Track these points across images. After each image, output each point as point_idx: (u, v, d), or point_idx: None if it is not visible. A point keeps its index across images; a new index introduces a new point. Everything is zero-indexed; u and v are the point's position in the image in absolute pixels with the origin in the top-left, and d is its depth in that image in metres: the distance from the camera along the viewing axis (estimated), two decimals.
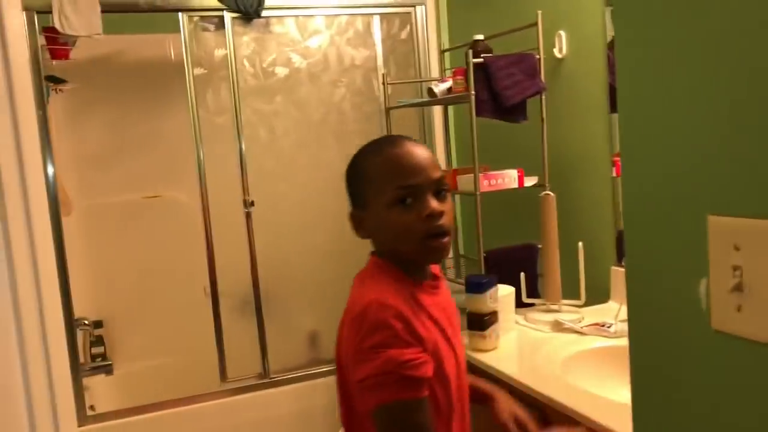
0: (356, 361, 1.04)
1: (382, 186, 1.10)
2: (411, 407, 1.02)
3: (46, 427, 0.64)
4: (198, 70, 2.74)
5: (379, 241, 1.16)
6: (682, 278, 0.68)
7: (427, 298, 1.14)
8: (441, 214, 1.10)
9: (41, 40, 2.41)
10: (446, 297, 1.22)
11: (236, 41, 2.70)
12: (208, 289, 2.69)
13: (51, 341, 0.69)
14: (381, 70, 2.91)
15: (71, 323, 2.44)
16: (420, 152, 1.12)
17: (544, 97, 2.18)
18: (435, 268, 1.24)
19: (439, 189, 1.12)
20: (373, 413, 1.03)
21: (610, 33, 1.99)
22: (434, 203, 1.10)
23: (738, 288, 0.62)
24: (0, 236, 0.51)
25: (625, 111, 0.74)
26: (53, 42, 2.51)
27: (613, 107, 2.03)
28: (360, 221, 1.16)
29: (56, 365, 0.70)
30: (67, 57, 2.64)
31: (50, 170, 2.39)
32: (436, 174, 1.11)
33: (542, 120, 2.19)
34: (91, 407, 2.60)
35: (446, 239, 1.11)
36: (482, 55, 2.14)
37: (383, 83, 2.71)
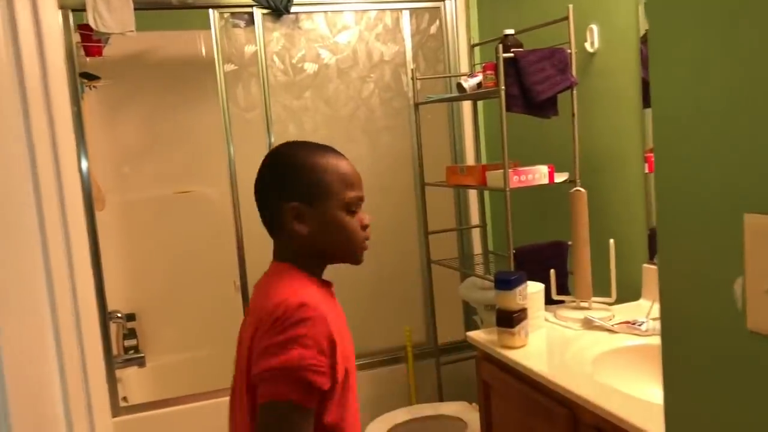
0: (261, 354, 1.06)
1: (338, 189, 1.19)
2: (300, 412, 1.03)
3: (81, 419, 0.66)
4: (228, 66, 2.76)
5: (318, 238, 1.20)
6: (717, 277, 0.67)
7: (331, 298, 1.24)
8: (369, 225, 1.25)
9: (75, 38, 2.46)
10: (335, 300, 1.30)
11: (266, 37, 2.72)
12: (238, 284, 2.72)
13: (85, 333, 0.71)
14: (410, 66, 2.90)
15: (104, 316, 2.49)
16: (357, 171, 1.25)
17: (575, 91, 2.15)
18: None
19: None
20: (263, 405, 1.04)
21: (643, 26, 1.95)
22: (367, 216, 1.24)
23: None
24: (36, 229, 0.53)
25: (659, 106, 0.73)
26: (87, 39, 2.56)
27: (646, 102, 1.99)
28: (302, 214, 1.18)
29: (90, 356, 0.72)
30: (100, 54, 2.69)
31: (84, 165, 2.44)
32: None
33: (573, 115, 2.17)
34: (124, 398, 2.65)
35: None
36: (512, 50, 2.12)
37: (412, 78, 2.70)
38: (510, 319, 1.75)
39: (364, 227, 1.22)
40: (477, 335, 1.91)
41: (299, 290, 1.12)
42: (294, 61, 2.82)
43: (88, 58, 2.67)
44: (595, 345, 1.73)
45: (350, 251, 1.22)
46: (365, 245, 1.23)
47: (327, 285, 1.25)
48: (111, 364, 2.50)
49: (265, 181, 1.23)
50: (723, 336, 0.67)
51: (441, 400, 2.85)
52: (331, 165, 1.20)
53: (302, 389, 1.03)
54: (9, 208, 0.56)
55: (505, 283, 1.76)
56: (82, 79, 2.57)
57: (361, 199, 1.22)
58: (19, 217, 0.57)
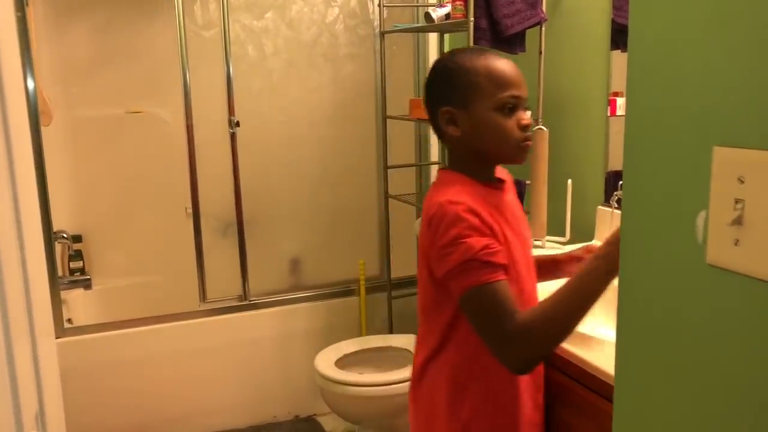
0: (439, 258, 1.15)
1: (491, 90, 1.19)
2: (494, 288, 1.11)
3: (22, 336, 0.62)
4: None
5: (473, 140, 1.23)
6: (680, 211, 0.66)
7: (495, 198, 1.25)
8: (530, 125, 1.23)
9: None
10: (513, 196, 1.32)
11: None
12: (190, 210, 2.66)
13: (29, 250, 0.66)
14: None
15: (49, 235, 2.41)
16: (517, 70, 1.22)
17: (543, 28, 2.11)
18: (501, 172, 1.34)
19: (526, 106, 1.24)
20: (461, 299, 1.14)
21: None
22: (527, 115, 1.23)
23: (738, 221, 0.60)
24: None
25: (636, 40, 0.71)
26: None
27: (614, 44, 1.97)
28: (454, 118, 1.22)
29: (34, 274, 0.68)
30: None
31: (29, 77, 2.30)
32: (527, 92, 1.24)
33: (540, 53, 2.13)
34: (69, 320, 2.60)
35: (530, 143, 1.25)
36: None
37: (379, 5, 2.61)
38: None
39: (523, 127, 1.21)
40: None
41: (451, 193, 1.18)
42: None
43: None
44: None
45: (506, 151, 1.22)
46: (524, 145, 1.22)
47: (493, 185, 1.27)
48: (55, 284, 2.43)
49: (427, 89, 1.27)
50: (680, 270, 0.67)
51: (391, 332, 2.89)
52: (482, 66, 1.20)
53: (485, 270, 1.11)
54: None
55: None
56: None
57: (517, 98, 1.20)
58: None
